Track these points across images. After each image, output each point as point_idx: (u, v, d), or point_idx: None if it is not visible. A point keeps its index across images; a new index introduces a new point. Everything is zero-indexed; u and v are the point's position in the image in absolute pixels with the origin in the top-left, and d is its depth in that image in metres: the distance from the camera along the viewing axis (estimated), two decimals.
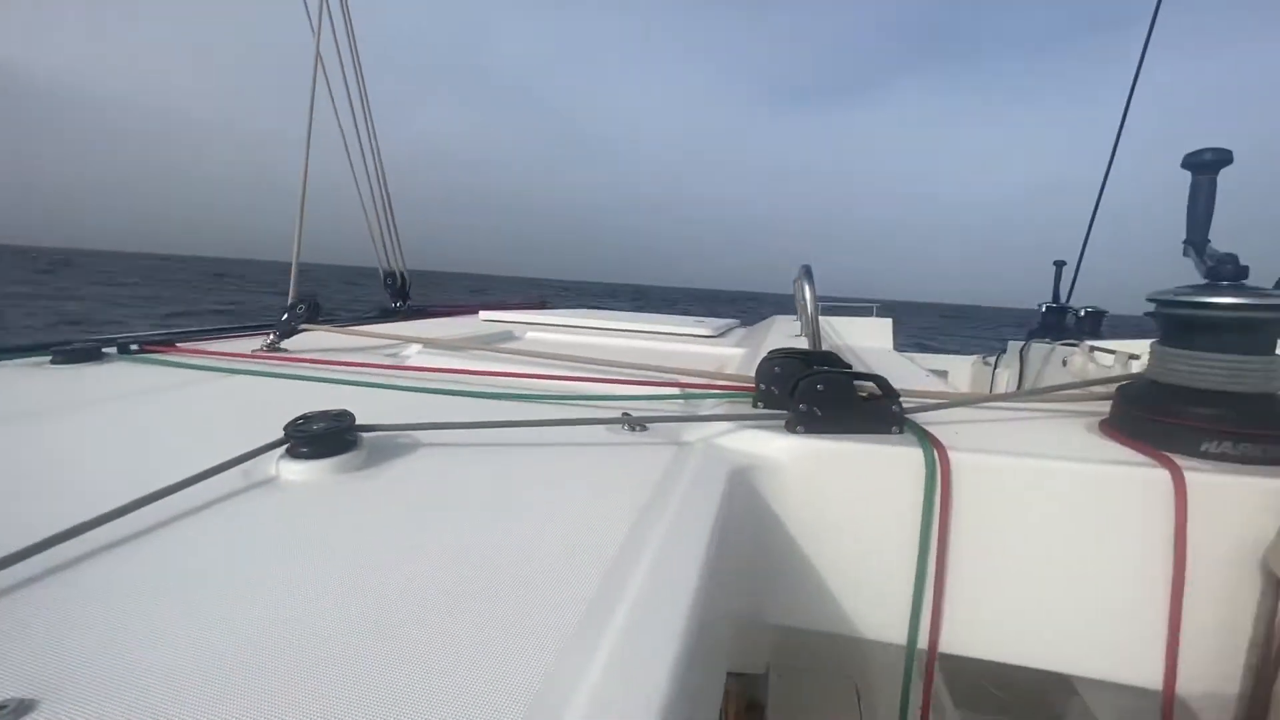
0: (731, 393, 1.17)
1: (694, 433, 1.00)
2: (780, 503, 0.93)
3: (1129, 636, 0.86)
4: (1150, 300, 0.96)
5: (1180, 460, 0.86)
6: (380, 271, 3.00)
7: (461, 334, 2.01)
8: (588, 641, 0.48)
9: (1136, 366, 2.35)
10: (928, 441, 0.90)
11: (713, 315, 3.09)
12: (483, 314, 2.69)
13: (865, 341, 3.68)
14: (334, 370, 1.43)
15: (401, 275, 3.03)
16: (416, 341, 1.74)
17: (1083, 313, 3.38)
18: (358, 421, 0.87)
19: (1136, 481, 0.84)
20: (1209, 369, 0.88)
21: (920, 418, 1.04)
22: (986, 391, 3.61)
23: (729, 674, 0.97)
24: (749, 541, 0.92)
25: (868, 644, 0.95)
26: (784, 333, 2.63)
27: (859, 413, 0.96)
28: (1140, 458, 0.87)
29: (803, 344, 2.34)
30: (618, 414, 1.04)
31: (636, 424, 1.02)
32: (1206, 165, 0.94)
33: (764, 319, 3.85)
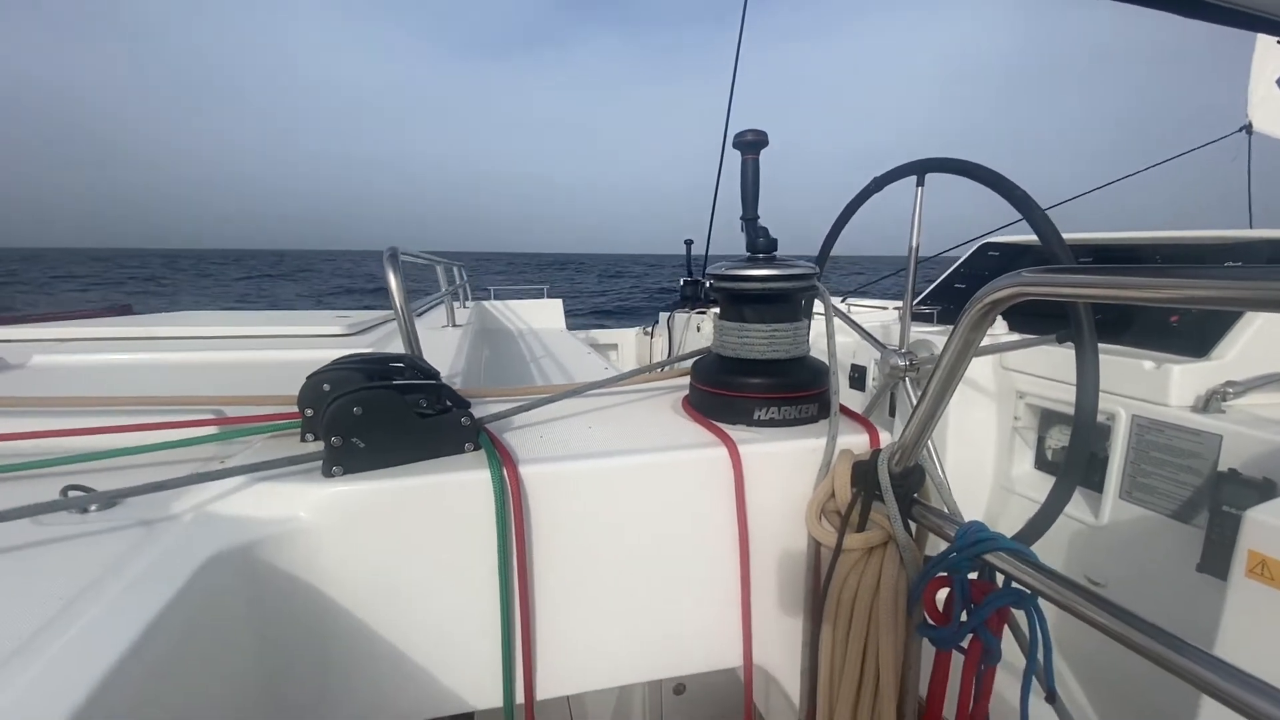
0: (279, 424, 0.89)
1: (192, 498, 0.71)
2: (316, 576, 0.70)
3: (714, 623, 0.86)
4: (708, 277, 0.97)
5: (738, 432, 0.87)
6: None
7: None
8: None
9: None
10: (496, 458, 0.76)
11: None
12: None
13: (538, 323, 3.65)
14: None
15: None
16: None
17: (709, 284, 3.85)
18: None
19: (701, 463, 0.82)
20: (753, 339, 0.91)
21: (503, 424, 0.91)
22: (649, 362, 3.91)
23: None
24: (276, 639, 0.68)
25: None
26: (436, 323, 2.38)
27: (419, 434, 0.78)
28: (705, 436, 0.87)
29: (449, 335, 2.12)
30: (60, 490, 0.69)
31: (95, 502, 0.68)
32: (750, 145, 0.97)
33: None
